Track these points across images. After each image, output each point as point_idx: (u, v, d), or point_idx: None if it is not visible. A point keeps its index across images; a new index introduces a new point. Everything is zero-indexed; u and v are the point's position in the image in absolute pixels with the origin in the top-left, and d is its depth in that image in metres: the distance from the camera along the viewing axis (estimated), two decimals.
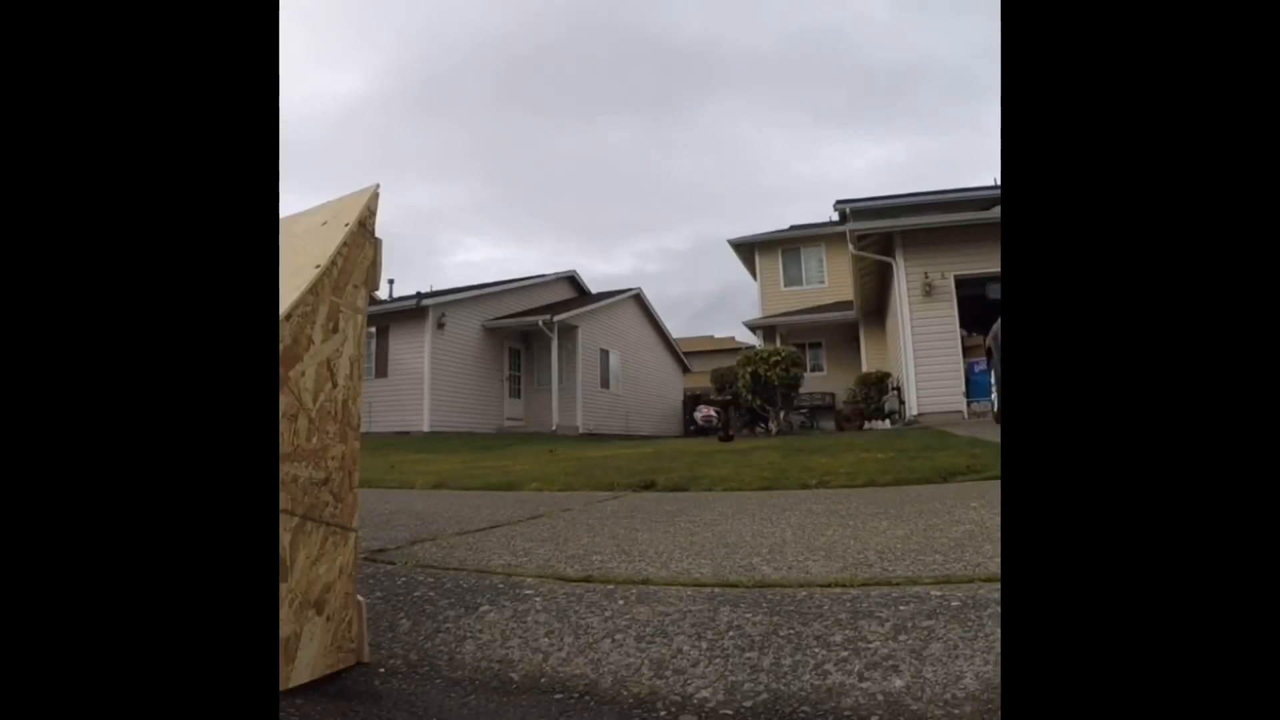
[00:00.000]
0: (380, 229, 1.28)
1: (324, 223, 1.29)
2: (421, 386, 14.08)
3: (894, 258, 10.67)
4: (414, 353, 14.34)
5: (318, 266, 1.14)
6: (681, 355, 22.30)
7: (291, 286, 1.10)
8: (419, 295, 15.07)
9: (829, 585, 1.36)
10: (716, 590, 1.37)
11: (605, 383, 17.66)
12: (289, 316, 1.07)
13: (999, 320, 7.04)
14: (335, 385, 1.16)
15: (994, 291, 10.20)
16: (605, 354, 17.72)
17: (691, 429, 7.38)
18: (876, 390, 12.72)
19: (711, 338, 30.32)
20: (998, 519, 1.78)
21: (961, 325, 10.26)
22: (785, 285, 17.71)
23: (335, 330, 1.16)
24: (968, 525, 1.94)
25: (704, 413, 8.11)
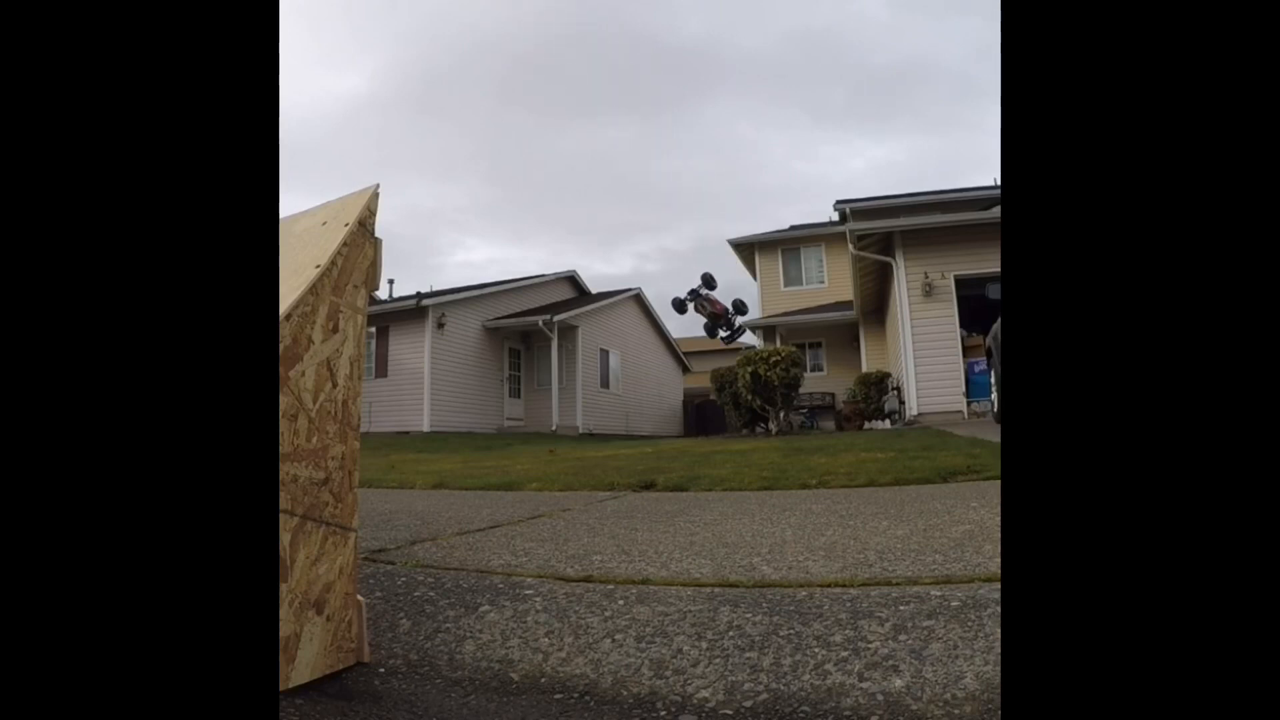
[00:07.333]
0: (380, 229, 1.28)
1: (324, 223, 1.29)
2: (421, 386, 14.08)
3: (894, 258, 10.67)
4: (414, 353, 14.34)
5: (318, 266, 1.14)
6: (681, 355, 22.29)
7: (291, 286, 1.10)
8: (419, 295, 15.06)
9: (829, 585, 1.36)
10: (716, 590, 1.37)
11: (605, 383, 17.66)
12: (289, 316, 1.07)
13: (999, 320, 7.03)
14: (335, 385, 1.16)
15: (994, 291, 10.20)
16: (605, 354, 17.72)
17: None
18: (876, 390, 12.72)
19: None
20: (998, 519, 1.78)
21: (961, 325, 10.26)
22: (785, 285, 17.70)
23: (335, 330, 1.16)
24: (968, 525, 1.94)
25: None
